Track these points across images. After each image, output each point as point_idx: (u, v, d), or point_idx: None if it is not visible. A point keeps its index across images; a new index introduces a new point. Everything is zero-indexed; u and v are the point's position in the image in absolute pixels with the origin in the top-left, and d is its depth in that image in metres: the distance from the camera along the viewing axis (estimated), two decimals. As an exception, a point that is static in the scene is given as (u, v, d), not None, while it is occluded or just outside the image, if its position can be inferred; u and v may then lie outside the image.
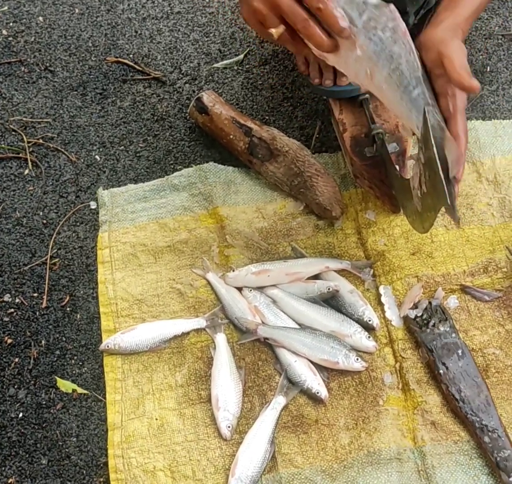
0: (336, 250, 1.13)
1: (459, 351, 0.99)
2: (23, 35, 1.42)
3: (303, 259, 1.11)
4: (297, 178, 1.13)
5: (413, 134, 0.85)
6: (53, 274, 1.17)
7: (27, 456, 1.04)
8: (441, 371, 0.98)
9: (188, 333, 1.08)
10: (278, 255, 1.13)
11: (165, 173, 1.24)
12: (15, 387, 1.08)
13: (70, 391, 1.07)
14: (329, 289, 1.06)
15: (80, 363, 1.09)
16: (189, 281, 1.12)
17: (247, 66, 1.36)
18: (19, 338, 1.12)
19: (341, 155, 1.20)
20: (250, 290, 1.10)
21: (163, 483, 0.97)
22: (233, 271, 1.11)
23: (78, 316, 1.13)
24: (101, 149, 1.29)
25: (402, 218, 1.12)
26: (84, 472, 1.02)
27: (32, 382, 1.08)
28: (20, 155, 1.28)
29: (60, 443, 1.04)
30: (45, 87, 1.36)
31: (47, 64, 1.38)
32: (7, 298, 1.15)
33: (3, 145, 1.29)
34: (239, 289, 1.10)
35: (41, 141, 1.30)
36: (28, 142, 1.29)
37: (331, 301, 1.08)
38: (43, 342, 1.11)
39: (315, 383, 1.00)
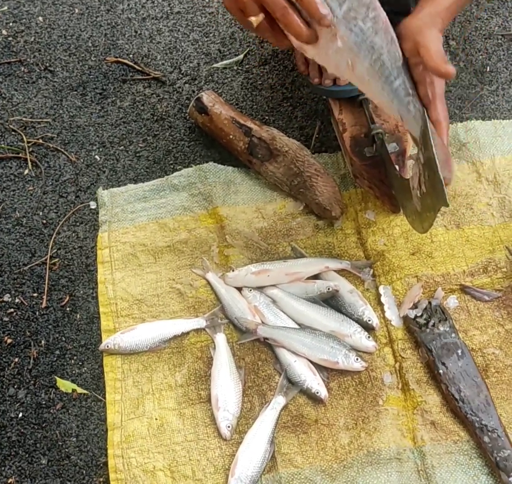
0: (336, 250, 1.13)
1: (459, 351, 1.00)
2: (23, 35, 1.42)
3: (302, 259, 1.11)
4: (297, 178, 1.13)
5: (401, 120, 0.85)
6: (53, 274, 1.17)
7: (27, 456, 1.04)
8: (440, 371, 0.98)
9: (188, 333, 1.08)
10: (277, 255, 1.13)
11: (165, 173, 1.24)
12: (15, 387, 1.08)
13: (70, 391, 1.07)
14: (328, 288, 1.06)
15: (80, 363, 1.09)
16: (189, 281, 1.12)
17: (246, 66, 1.36)
18: (19, 338, 1.12)
19: (341, 155, 1.20)
20: (250, 290, 1.10)
21: (163, 483, 0.97)
22: (233, 270, 1.11)
23: (78, 316, 1.13)
24: (101, 149, 1.29)
25: (402, 218, 1.12)
26: (84, 472, 1.02)
27: (32, 382, 1.08)
28: (20, 155, 1.28)
29: (60, 443, 1.04)
30: (45, 87, 1.36)
31: (47, 64, 1.38)
32: (7, 297, 1.15)
33: (3, 145, 1.29)
34: (239, 289, 1.10)
35: (41, 141, 1.30)
36: (28, 142, 1.29)
37: (331, 301, 1.08)
38: (43, 342, 1.11)
39: (314, 383, 1.00)
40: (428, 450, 0.96)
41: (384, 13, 0.76)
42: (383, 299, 1.07)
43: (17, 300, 1.15)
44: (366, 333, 1.04)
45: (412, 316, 1.03)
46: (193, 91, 1.34)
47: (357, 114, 1.12)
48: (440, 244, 1.10)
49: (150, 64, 1.38)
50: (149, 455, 0.99)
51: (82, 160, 1.28)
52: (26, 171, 1.27)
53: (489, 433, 0.94)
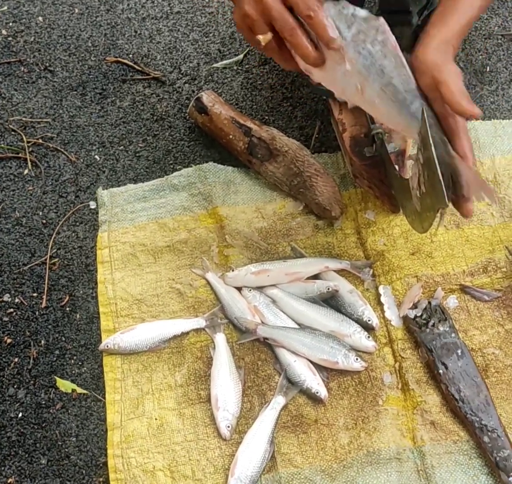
0: (336, 250, 1.13)
1: (459, 351, 1.00)
2: (22, 35, 1.42)
3: (302, 259, 1.11)
4: (297, 178, 1.13)
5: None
6: (53, 273, 1.17)
7: (26, 456, 1.04)
8: (440, 371, 0.98)
9: (187, 333, 1.08)
10: (277, 255, 1.13)
11: (164, 173, 1.24)
12: (15, 386, 1.08)
13: (70, 391, 1.07)
14: (328, 288, 1.06)
15: (80, 363, 1.09)
16: (189, 280, 1.12)
17: (246, 66, 1.36)
18: (18, 338, 1.12)
19: (341, 155, 1.20)
20: (250, 290, 1.10)
21: (162, 483, 0.97)
22: (233, 270, 1.11)
23: (78, 315, 1.13)
24: (100, 149, 1.29)
25: (402, 218, 1.12)
26: (84, 472, 1.02)
27: (32, 381, 1.08)
28: (20, 155, 1.28)
29: (60, 443, 1.04)
30: (44, 87, 1.36)
31: (47, 64, 1.38)
32: (6, 297, 1.15)
33: (2, 145, 1.29)
34: (239, 289, 1.10)
35: (40, 141, 1.30)
36: (28, 142, 1.29)
37: (330, 301, 1.08)
38: (42, 341, 1.11)
39: (314, 382, 1.00)
40: (427, 450, 0.96)
41: (393, 37, 0.75)
42: (382, 299, 1.07)
43: (17, 300, 1.15)
44: (365, 333, 1.04)
45: (412, 316, 1.03)
46: (193, 91, 1.34)
47: (357, 114, 1.11)
48: (440, 244, 1.10)
49: (150, 64, 1.38)
50: (149, 455, 0.99)
51: (82, 160, 1.28)
52: (26, 171, 1.27)
53: (489, 433, 0.94)
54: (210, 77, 1.35)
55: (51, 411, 1.06)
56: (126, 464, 0.99)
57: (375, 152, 1.07)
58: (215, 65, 1.37)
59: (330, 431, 0.99)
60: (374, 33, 0.74)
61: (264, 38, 0.75)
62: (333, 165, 1.20)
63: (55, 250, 1.19)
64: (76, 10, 1.45)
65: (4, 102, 1.35)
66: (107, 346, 1.06)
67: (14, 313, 1.14)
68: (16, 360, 1.10)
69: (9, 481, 1.02)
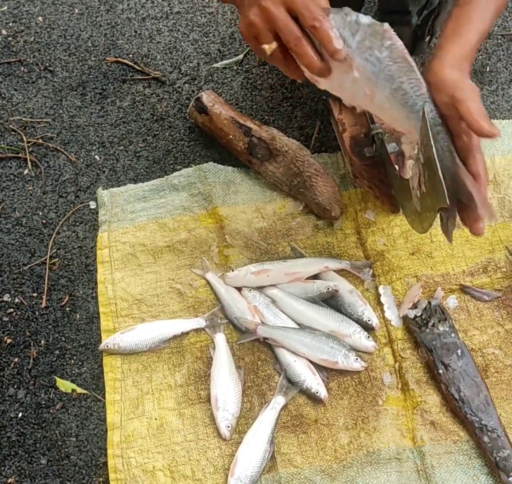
0: (336, 250, 1.13)
1: (459, 351, 1.00)
2: (22, 35, 1.42)
3: (302, 259, 1.11)
4: (297, 178, 1.13)
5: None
6: (53, 273, 1.17)
7: (26, 456, 1.04)
8: (440, 371, 0.98)
9: (187, 333, 1.08)
10: (277, 255, 1.13)
11: (164, 173, 1.24)
12: (15, 387, 1.08)
13: (70, 391, 1.07)
14: (328, 288, 1.06)
15: (80, 363, 1.09)
16: (189, 280, 1.12)
17: (246, 66, 1.36)
18: (18, 338, 1.12)
19: (341, 155, 1.20)
20: (250, 290, 1.10)
21: (162, 483, 0.97)
22: (233, 270, 1.11)
23: (78, 315, 1.13)
24: (100, 149, 1.29)
25: (402, 218, 1.12)
26: (84, 472, 1.02)
27: (32, 381, 1.08)
28: (20, 155, 1.28)
29: (60, 443, 1.04)
30: (44, 87, 1.36)
31: (47, 64, 1.38)
32: (6, 297, 1.15)
33: (2, 145, 1.29)
34: (239, 289, 1.10)
35: (40, 141, 1.30)
36: (28, 142, 1.29)
37: (330, 301, 1.08)
38: (42, 341, 1.11)
39: (314, 382, 1.00)
40: (427, 450, 0.96)
41: (400, 42, 0.75)
42: (382, 299, 1.07)
43: (16, 300, 1.15)
44: (365, 333, 1.04)
45: (412, 316, 1.03)
46: (193, 91, 1.34)
47: (357, 114, 1.11)
48: (439, 244, 1.10)
49: (150, 64, 1.38)
50: (149, 455, 0.99)
51: (81, 160, 1.28)
52: (26, 171, 1.27)
53: (489, 433, 0.94)
54: (210, 77, 1.35)
55: (51, 411, 1.06)
56: (126, 464, 0.99)
57: (375, 152, 1.07)
58: (215, 65, 1.37)
59: (330, 431, 0.99)
60: (379, 39, 0.74)
61: (269, 47, 0.75)
62: (333, 165, 1.20)
63: (55, 250, 1.19)
64: (76, 10, 1.45)
65: (4, 102, 1.35)
66: (107, 346, 1.06)
67: (14, 313, 1.14)
68: (16, 360, 1.10)
69: (9, 481, 1.02)
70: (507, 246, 1.10)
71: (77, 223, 1.21)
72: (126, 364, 1.06)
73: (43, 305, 1.14)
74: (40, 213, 1.23)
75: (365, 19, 0.74)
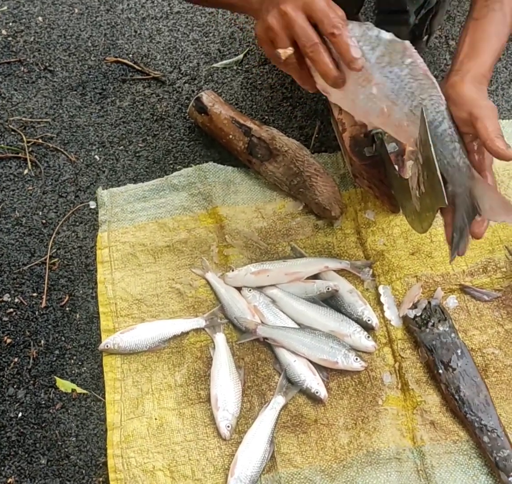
0: (336, 250, 1.13)
1: (458, 351, 0.99)
2: (22, 35, 1.42)
3: (302, 259, 1.11)
4: (297, 178, 1.13)
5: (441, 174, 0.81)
6: (53, 273, 1.17)
7: (26, 455, 1.04)
8: (440, 371, 0.98)
9: (187, 333, 1.08)
10: (277, 255, 1.13)
11: (164, 173, 1.24)
12: (15, 386, 1.08)
13: (70, 391, 1.07)
14: (328, 288, 1.06)
15: (80, 363, 1.09)
16: (189, 280, 1.12)
17: (246, 66, 1.36)
18: (18, 338, 1.12)
19: (341, 155, 1.20)
20: (250, 290, 1.10)
21: (162, 483, 0.97)
22: (233, 270, 1.11)
23: (78, 315, 1.13)
24: (100, 149, 1.29)
25: (402, 218, 1.12)
26: (84, 471, 1.02)
27: (32, 381, 1.08)
28: (20, 155, 1.28)
29: (60, 443, 1.04)
30: (44, 87, 1.36)
31: (47, 64, 1.38)
32: (6, 297, 1.15)
33: (2, 145, 1.29)
34: (239, 289, 1.10)
35: (40, 141, 1.30)
36: (28, 142, 1.29)
37: (330, 301, 1.08)
38: (42, 341, 1.11)
39: (314, 382, 1.00)
40: (427, 450, 0.96)
41: (421, 59, 0.75)
42: (382, 299, 1.07)
43: (16, 300, 1.15)
44: (365, 332, 1.04)
45: (412, 316, 1.03)
46: (193, 91, 1.34)
47: (356, 114, 1.11)
48: (439, 244, 1.10)
49: (150, 64, 1.38)
50: (149, 455, 0.99)
51: (81, 160, 1.28)
52: (26, 171, 1.27)
53: (489, 433, 0.94)
54: (210, 77, 1.35)
55: (51, 411, 1.06)
56: (126, 464, 0.99)
57: (375, 152, 1.07)
58: (215, 65, 1.37)
59: (330, 431, 0.99)
60: (400, 56, 0.74)
61: (284, 52, 0.74)
62: (333, 165, 1.20)
63: (55, 250, 1.19)
64: (76, 10, 1.45)
65: (4, 102, 1.35)
66: (107, 346, 1.06)
67: (14, 313, 1.14)
68: (16, 360, 1.10)
69: (9, 481, 1.02)
70: (507, 246, 1.10)
71: (77, 223, 1.21)
72: (126, 364, 1.06)
73: (43, 305, 1.14)
74: (40, 213, 1.23)
75: (387, 35, 0.74)
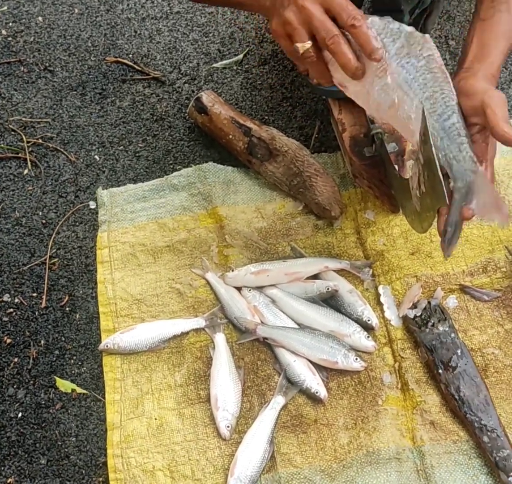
0: (335, 250, 1.13)
1: (458, 351, 1.00)
2: (22, 35, 1.42)
3: (302, 259, 1.11)
4: (296, 178, 1.13)
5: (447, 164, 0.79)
6: (52, 273, 1.17)
7: (26, 456, 1.04)
8: (440, 371, 0.98)
9: (187, 333, 1.08)
10: (277, 255, 1.13)
11: (164, 173, 1.24)
12: (15, 386, 1.08)
13: (69, 391, 1.07)
14: (328, 288, 1.06)
15: (79, 363, 1.09)
16: (188, 280, 1.12)
17: (246, 66, 1.36)
18: (18, 338, 1.12)
19: (340, 155, 1.20)
20: (249, 290, 1.10)
21: (162, 482, 0.97)
22: (232, 270, 1.11)
23: (77, 315, 1.13)
24: (100, 149, 1.29)
25: (401, 218, 1.12)
26: (83, 471, 1.02)
27: (31, 381, 1.08)
28: (20, 155, 1.28)
29: (59, 443, 1.04)
30: (44, 87, 1.36)
31: (47, 64, 1.38)
32: (6, 297, 1.15)
33: (2, 145, 1.29)
34: (238, 289, 1.10)
35: (40, 141, 1.30)
36: (28, 142, 1.29)
37: (330, 301, 1.08)
38: (42, 341, 1.11)
39: (314, 382, 1.00)
40: (427, 450, 0.96)
41: (438, 53, 0.75)
42: (382, 299, 1.07)
43: (16, 300, 1.15)
44: (365, 332, 1.04)
45: (412, 316, 1.03)
46: (193, 91, 1.34)
47: (356, 114, 1.11)
48: (439, 244, 1.10)
49: (150, 64, 1.38)
50: (149, 455, 0.99)
51: (81, 160, 1.28)
52: (26, 171, 1.27)
53: (489, 433, 0.94)
54: (210, 77, 1.35)
55: (50, 411, 1.06)
56: (126, 464, 0.99)
57: (374, 152, 1.07)
58: (215, 65, 1.37)
59: (330, 431, 0.99)
60: (419, 48, 0.75)
61: (302, 46, 0.74)
62: (333, 165, 1.20)
63: (54, 250, 1.19)
64: (76, 10, 1.45)
65: (4, 102, 1.35)
66: (107, 346, 1.06)
67: (14, 313, 1.14)
68: (16, 360, 1.10)
69: (9, 481, 1.02)
70: (506, 246, 1.10)
71: (77, 223, 1.21)
72: (126, 364, 1.06)
73: (43, 305, 1.14)
74: (40, 213, 1.23)
75: (408, 28, 0.75)
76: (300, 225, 1.15)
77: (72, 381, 1.08)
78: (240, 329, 1.07)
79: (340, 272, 1.10)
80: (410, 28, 0.76)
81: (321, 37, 0.74)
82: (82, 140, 1.30)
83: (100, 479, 1.01)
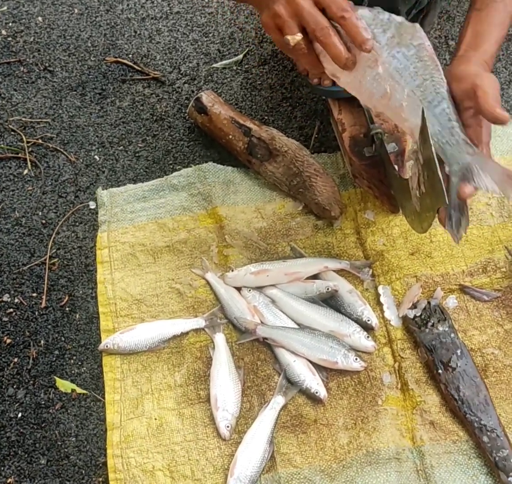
0: (335, 250, 1.13)
1: (458, 351, 1.00)
2: (22, 35, 1.42)
3: (302, 259, 1.11)
4: (296, 178, 1.13)
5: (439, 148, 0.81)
6: (52, 274, 1.17)
7: (26, 456, 1.04)
8: (440, 371, 0.98)
9: (187, 333, 1.08)
10: (277, 255, 1.13)
11: (164, 173, 1.24)
12: (14, 387, 1.08)
13: (69, 391, 1.07)
14: (328, 288, 1.06)
15: (79, 363, 1.09)
16: (188, 280, 1.12)
17: (246, 66, 1.36)
18: (18, 338, 1.12)
19: (340, 155, 1.20)
20: (249, 290, 1.10)
21: (162, 483, 0.97)
22: (232, 270, 1.11)
23: (77, 316, 1.13)
24: (100, 149, 1.29)
25: (401, 218, 1.12)
26: (83, 472, 1.02)
27: (31, 382, 1.08)
28: (19, 155, 1.28)
29: (59, 443, 1.04)
30: (44, 87, 1.36)
31: (46, 64, 1.38)
32: (6, 298, 1.15)
33: (2, 145, 1.29)
34: (238, 289, 1.10)
35: (40, 141, 1.30)
36: (27, 142, 1.29)
37: (330, 301, 1.08)
38: (42, 342, 1.11)
39: (314, 382, 1.00)
40: (427, 450, 0.96)
41: (429, 42, 0.76)
42: (382, 299, 1.07)
43: (16, 300, 1.15)
44: (365, 333, 1.04)
45: (411, 316, 1.03)
46: (193, 91, 1.34)
47: (356, 114, 1.12)
48: (439, 244, 1.10)
49: (150, 64, 1.38)
50: (148, 455, 0.99)
51: (81, 160, 1.28)
52: (26, 171, 1.27)
53: (488, 433, 0.94)
54: (209, 77, 1.35)
55: (50, 411, 1.06)
56: (126, 464, 0.99)
57: (374, 152, 1.07)
58: (214, 65, 1.37)
59: (330, 431, 0.99)
60: (409, 38, 0.75)
61: (293, 38, 0.75)
62: (333, 165, 1.20)
63: (54, 250, 1.19)
64: (76, 10, 1.45)
65: (4, 102, 1.35)
66: (107, 346, 1.06)
67: (14, 313, 1.14)
68: (15, 360, 1.10)
69: (8, 481, 1.02)
70: (506, 246, 1.10)
71: (77, 224, 1.21)
72: (126, 364, 1.06)
73: (43, 305, 1.14)
74: (40, 213, 1.23)
75: (398, 18, 0.76)
76: (300, 226, 1.15)
77: (72, 381, 1.08)
78: (240, 329, 1.07)
79: (340, 272, 1.10)
80: (400, 18, 0.76)
81: (311, 29, 0.74)
82: (82, 141, 1.30)
83: (100, 479, 1.01)
